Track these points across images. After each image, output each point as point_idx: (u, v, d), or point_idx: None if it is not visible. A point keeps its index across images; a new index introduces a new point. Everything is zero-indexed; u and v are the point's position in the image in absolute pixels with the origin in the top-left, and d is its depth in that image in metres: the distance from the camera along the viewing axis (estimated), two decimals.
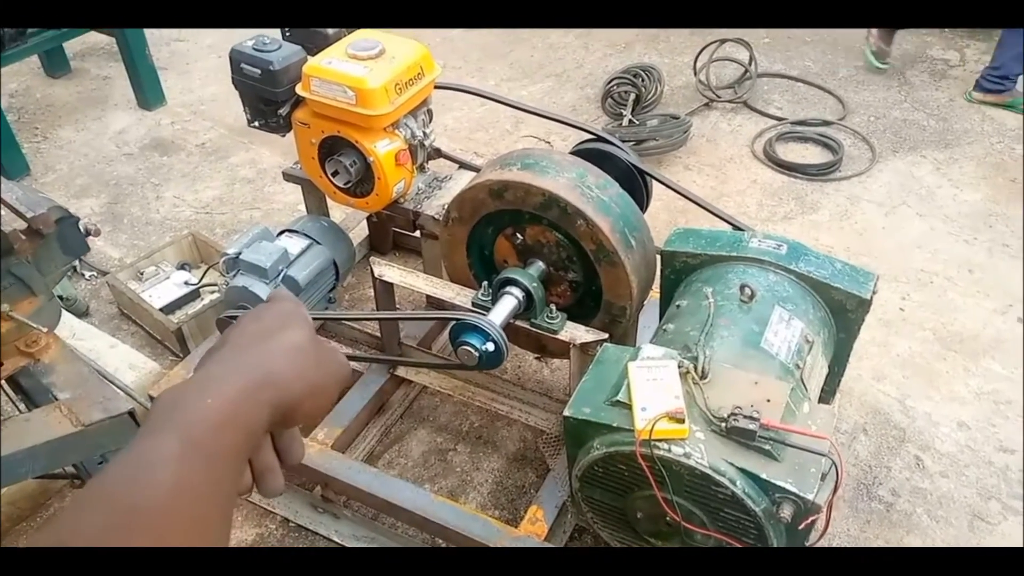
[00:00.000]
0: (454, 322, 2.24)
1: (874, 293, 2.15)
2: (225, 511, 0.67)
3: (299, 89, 2.55)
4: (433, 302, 2.86)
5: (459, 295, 2.48)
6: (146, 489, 0.60)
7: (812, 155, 4.18)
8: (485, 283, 2.40)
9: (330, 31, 2.66)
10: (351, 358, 2.89)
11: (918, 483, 2.64)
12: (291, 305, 0.81)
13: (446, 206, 2.55)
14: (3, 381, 1.93)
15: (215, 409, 0.66)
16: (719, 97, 4.57)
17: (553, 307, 2.34)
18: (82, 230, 1.86)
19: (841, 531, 2.50)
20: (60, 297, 3.17)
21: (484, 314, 2.26)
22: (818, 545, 1.81)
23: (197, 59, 5.13)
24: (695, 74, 4.63)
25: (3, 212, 1.75)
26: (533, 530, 2.25)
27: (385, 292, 2.63)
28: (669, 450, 1.74)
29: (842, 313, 2.19)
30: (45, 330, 1.80)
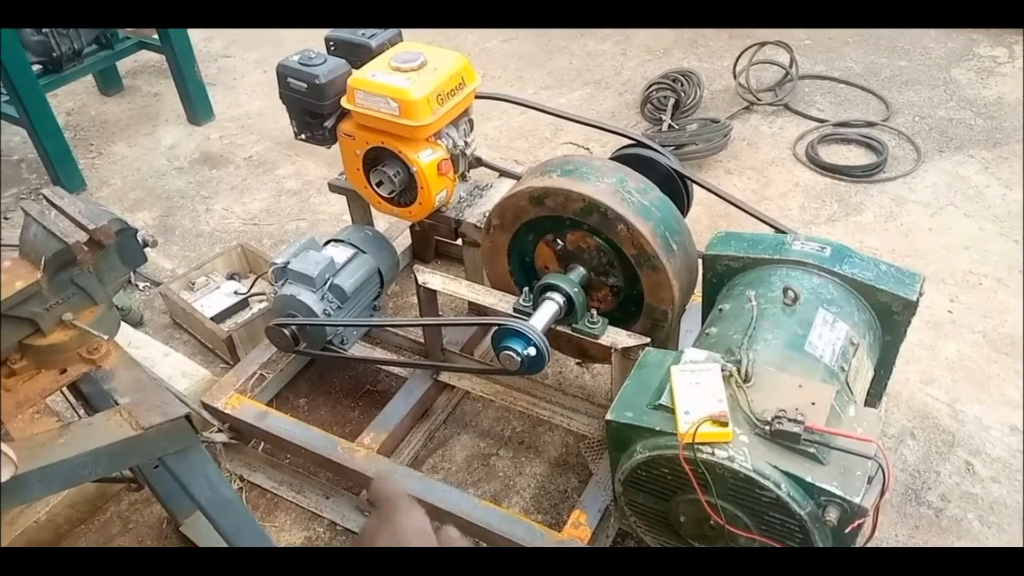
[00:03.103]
0: (496, 327, 2.27)
1: (920, 295, 2.13)
2: None
3: (344, 102, 2.62)
4: (475, 308, 2.89)
5: (501, 301, 2.51)
6: None
7: (855, 157, 4.13)
8: (526, 289, 2.43)
9: (373, 44, 2.72)
10: (394, 364, 2.94)
11: (969, 488, 2.59)
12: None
13: (487, 214, 2.59)
14: (66, 389, 2.01)
15: None
16: (759, 100, 4.54)
17: (594, 312, 2.36)
18: (140, 241, 1.93)
19: (889, 536, 2.46)
20: (116, 307, 3.26)
21: (526, 319, 2.28)
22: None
23: (244, 74, 5.26)
24: (735, 77, 4.61)
25: (66, 224, 1.83)
26: (576, 534, 2.26)
27: (428, 299, 2.67)
28: (713, 453, 1.74)
29: (888, 315, 2.17)
30: (106, 338, 1.87)
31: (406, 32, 2.82)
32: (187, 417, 1.74)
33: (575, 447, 2.78)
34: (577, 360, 3.01)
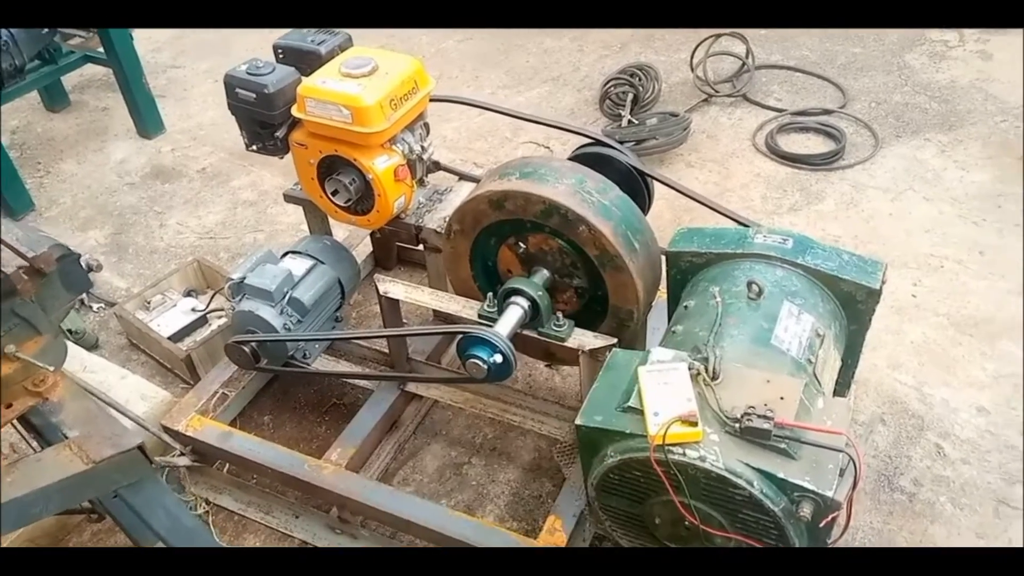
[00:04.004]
0: (461, 336, 2.22)
1: (883, 283, 2.12)
2: None
3: (295, 111, 2.56)
4: (440, 316, 2.85)
5: (465, 308, 2.47)
6: None
7: (814, 145, 4.15)
8: (490, 294, 2.39)
9: (323, 50, 2.65)
10: (359, 377, 2.89)
11: (940, 471, 2.60)
12: None
13: (448, 219, 2.55)
14: (16, 421, 1.93)
15: None
16: (718, 92, 4.55)
17: (560, 315, 2.33)
18: (84, 266, 1.85)
19: (864, 524, 2.47)
20: (69, 330, 3.18)
21: (490, 326, 2.25)
22: (841, 540, 1.78)
23: (194, 85, 5.15)
24: (692, 70, 4.61)
25: (4, 253, 1.75)
26: (552, 540, 2.23)
27: (391, 309, 2.62)
28: (684, 454, 1.72)
29: (852, 304, 2.17)
30: (52, 369, 1.79)
31: (357, 36, 2.76)
32: (140, 447, 1.68)
33: (548, 451, 2.75)
34: (546, 363, 2.98)
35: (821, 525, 1.69)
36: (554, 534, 2.25)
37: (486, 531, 2.28)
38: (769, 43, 4.99)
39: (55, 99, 4.91)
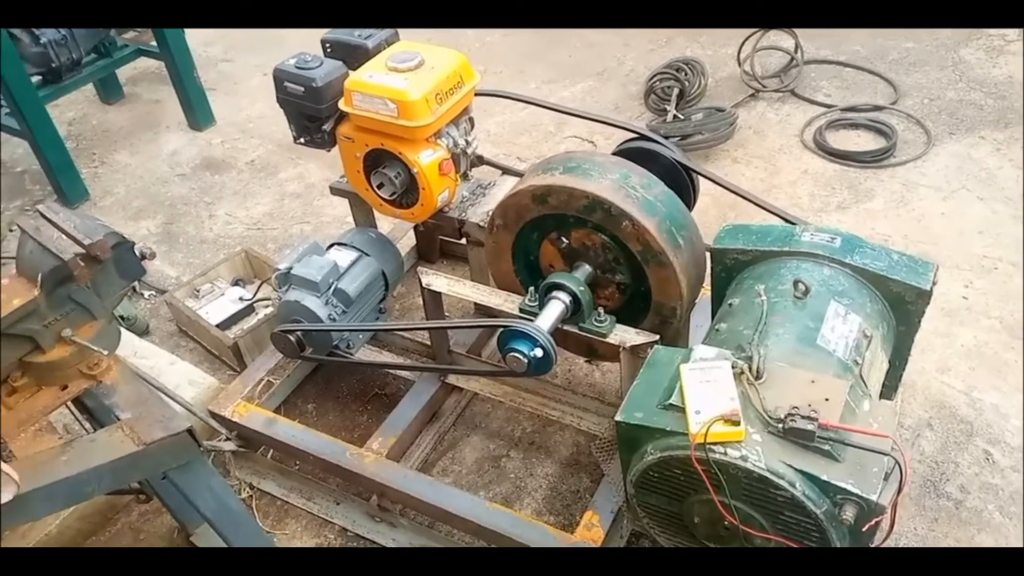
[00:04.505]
0: (502, 329, 2.23)
1: (934, 283, 2.08)
2: None
3: (342, 104, 2.58)
4: (482, 309, 2.86)
5: (506, 302, 2.48)
6: None
7: (864, 142, 4.07)
8: (532, 288, 2.39)
9: (370, 45, 2.68)
10: (401, 368, 2.92)
11: (988, 479, 2.54)
12: None
13: (490, 213, 2.56)
14: (70, 403, 1.99)
15: None
16: (765, 87, 4.48)
17: (601, 310, 2.32)
18: (137, 254, 1.90)
19: (908, 530, 2.42)
20: (121, 317, 3.27)
21: (531, 320, 2.25)
22: (884, 546, 1.76)
23: (244, 78, 5.24)
24: (739, 65, 4.55)
25: (62, 239, 1.81)
26: (589, 536, 2.23)
27: (433, 301, 2.64)
28: (725, 453, 1.71)
29: (901, 305, 2.12)
30: (106, 353, 1.85)
31: (403, 31, 2.78)
32: (189, 431, 1.72)
33: (586, 447, 2.75)
34: (586, 359, 2.97)
35: (864, 529, 1.66)
36: (591, 529, 2.25)
37: (523, 524, 2.29)
38: (818, 38, 4.90)
39: (110, 91, 5.04)
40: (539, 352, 2.17)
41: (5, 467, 1.49)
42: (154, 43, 4.46)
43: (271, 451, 2.78)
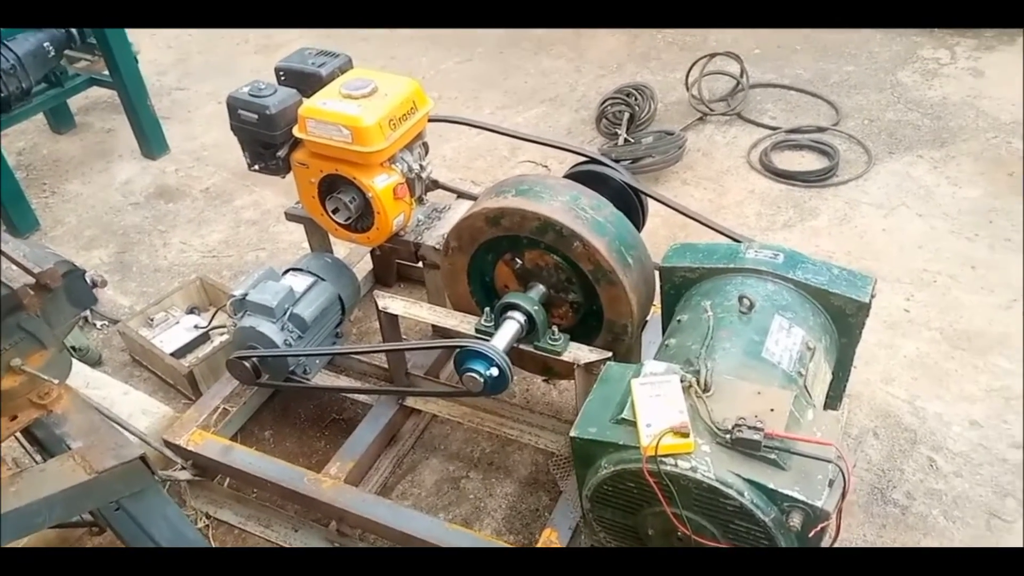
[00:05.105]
0: (458, 349, 2.26)
1: (873, 296, 2.16)
2: None
3: (296, 131, 2.61)
4: (439, 331, 2.88)
5: (462, 323, 2.51)
6: None
7: (808, 162, 4.21)
8: (487, 309, 2.43)
9: (324, 72, 2.72)
10: (359, 391, 2.92)
11: (932, 484, 2.63)
12: None
13: (445, 236, 2.59)
14: (19, 435, 1.97)
15: None
16: (712, 110, 4.61)
17: (555, 329, 2.37)
18: (88, 282, 1.90)
19: (857, 536, 2.49)
20: (73, 347, 3.22)
21: (487, 340, 2.28)
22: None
23: (197, 106, 5.22)
24: (687, 89, 4.68)
25: (11, 268, 1.79)
26: None
27: (390, 324, 2.66)
28: (676, 465, 1.75)
29: (842, 318, 2.20)
30: (56, 382, 1.84)
31: (358, 57, 2.82)
32: (142, 458, 1.71)
33: (545, 465, 2.78)
34: (543, 377, 3.01)
35: (811, 535, 1.71)
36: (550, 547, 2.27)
37: (483, 544, 2.30)
38: (763, 62, 5.07)
39: (61, 121, 4.98)
40: (495, 371, 2.21)
41: None
42: (106, 72, 4.43)
43: (228, 479, 2.76)
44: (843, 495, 1.71)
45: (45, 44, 4.08)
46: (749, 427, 1.73)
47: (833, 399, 2.35)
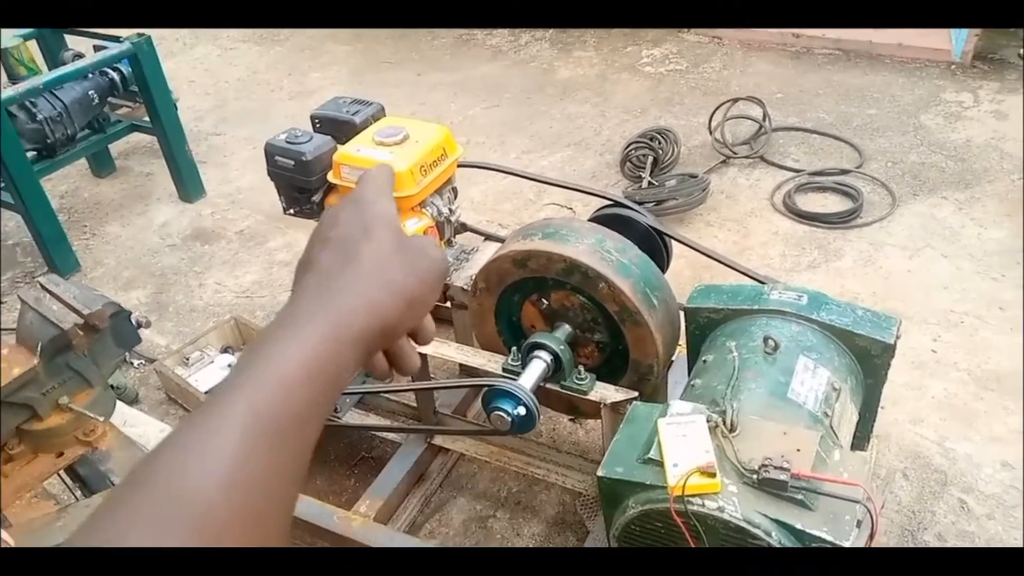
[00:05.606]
0: (486, 388, 2.31)
1: (898, 337, 2.18)
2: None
3: (331, 176, 2.71)
4: (466, 370, 2.93)
5: (490, 362, 2.56)
6: (194, 478, 0.52)
7: (832, 204, 4.24)
8: (514, 348, 2.48)
9: (358, 120, 2.82)
10: (388, 430, 2.97)
11: (964, 527, 2.60)
12: (371, 198, 0.74)
13: (473, 277, 2.66)
14: (62, 473, 2.04)
15: (295, 362, 0.60)
16: (736, 154, 4.67)
17: (582, 368, 2.40)
18: (134, 323, 1.99)
19: None
20: (111, 386, 3.30)
21: (514, 379, 2.33)
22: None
23: (233, 151, 5.39)
24: (710, 133, 4.75)
25: (62, 310, 1.88)
26: None
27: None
28: (703, 505, 1.77)
29: (867, 359, 2.22)
30: (102, 419, 1.91)
31: (389, 105, 2.93)
32: None
33: (572, 505, 2.79)
34: (569, 416, 3.04)
35: None
36: None
37: None
38: (785, 106, 5.13)
39: (102, 165, 5.16)
40: (522, 410, 2.24)
41: (4, 534, 1.53)
42: (147, 118, 4.61)
43: None
44: (871, 536, 1.72)
45: (90, 92, 4.27)
46: (776, 467, 1.75)
47: (860, 439, 2.36)
